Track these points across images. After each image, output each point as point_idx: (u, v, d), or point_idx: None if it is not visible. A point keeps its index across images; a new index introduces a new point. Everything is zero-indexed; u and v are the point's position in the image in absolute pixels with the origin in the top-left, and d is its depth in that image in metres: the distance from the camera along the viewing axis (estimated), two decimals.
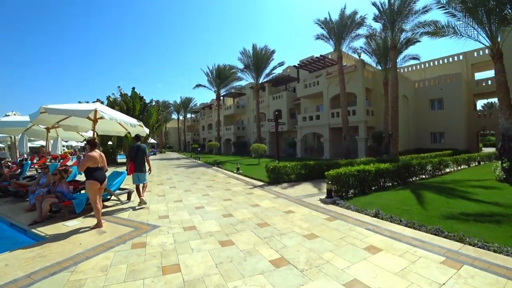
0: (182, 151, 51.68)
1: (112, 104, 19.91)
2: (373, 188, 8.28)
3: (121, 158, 23.31)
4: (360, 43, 58.50)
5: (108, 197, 7.12)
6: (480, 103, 50.69)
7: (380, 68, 21.72)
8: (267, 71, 28.46)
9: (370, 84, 24.27)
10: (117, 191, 7.14)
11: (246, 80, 29.15)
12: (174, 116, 58.77)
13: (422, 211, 5.76)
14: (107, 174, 5.73)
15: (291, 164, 10.37)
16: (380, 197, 7.17)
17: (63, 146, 38.77)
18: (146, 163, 6.93)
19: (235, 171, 13.39)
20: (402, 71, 32.97)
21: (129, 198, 7.24)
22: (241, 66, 28.32)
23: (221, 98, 40.16)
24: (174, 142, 63.08)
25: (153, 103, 22.34)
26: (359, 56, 23.71)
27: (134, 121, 6.93)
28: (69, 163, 14.87)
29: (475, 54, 29.83)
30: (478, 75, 32.65)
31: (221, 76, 35.38)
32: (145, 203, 6.73)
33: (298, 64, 29.86)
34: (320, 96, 27.87)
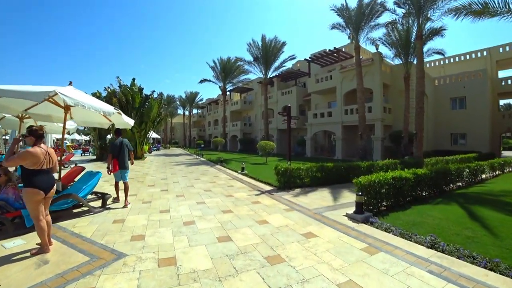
0: (187, 147, 50.46)
1: (111, 95, 18.59)
2: (407, 199, 6.66)
3: None
4: (378, 33, 55.84)
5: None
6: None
7: (401, 61, 19.88)
8: (276, 64, 26.79)
9: (388, 79, 22.43)
10: (89, 196, 5.70)
11: (254, 73, 27.58)
12: (180, 111, 57.60)
13: (494, 240, 4.14)
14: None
15: (305, 166, 8.79)
16: (423, 213, 5.55)
17: (66, 139, 37.96)
18: (129, 159, 6.60)
19: (239, 171, 11.88)
20: None
21: (104, 205, 5.79)
22: (249, 58, 26.69)
23: (228, 93, 38.65)
24: (180, 138, 61.97)
25: (154, 95, 20.96)
26: (377, 48, 21.84)
27: (109, 108, 5.44)
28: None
29: (501, 50, 27.58)
30: (502, 74, 30.36)
31: (226, 70, 33.86)
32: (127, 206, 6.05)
33: (309, 58, 28.08)
34: (333, 92, 26.13)
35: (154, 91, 21.06)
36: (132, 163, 6.93)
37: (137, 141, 19.04)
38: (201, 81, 36.60)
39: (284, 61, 26.56)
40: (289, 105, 10.09)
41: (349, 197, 7.15)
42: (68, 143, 34.49)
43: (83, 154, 23.92)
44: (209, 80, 35.93)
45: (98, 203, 5.94)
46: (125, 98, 18.72)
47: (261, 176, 10.51)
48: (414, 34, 17.90)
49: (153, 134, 38.78)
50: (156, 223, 4.84)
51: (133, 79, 19.57)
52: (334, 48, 25.15)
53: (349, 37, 20.05)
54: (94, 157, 20.20)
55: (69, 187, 5.87)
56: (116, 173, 6.29)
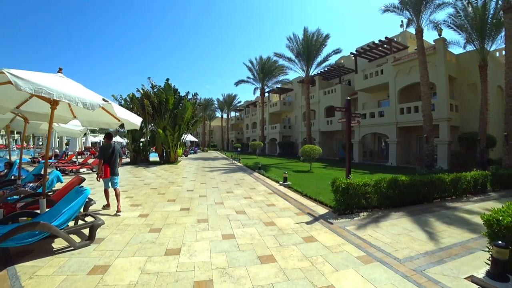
0: (225, 150, 49.67)
1: (144, 96, 17.78)
2: None
3: (153, 156, 21.29)
4: (441, 15, 49.48)
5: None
6: None
7: (474, 47, 16.10)
8: (319, 59, 24.15)
9: (453, 71, 18.64)
10: (71, 225, 4.05)
11: (295, 71, 25.21)
12: (218, 114, 57.32)
13: None
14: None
15: (372, 181, 6.37)
16: None
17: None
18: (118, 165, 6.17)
19: (281, 182, 9.76)
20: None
21: (91, 237, 4.06)
22: (289, 54, 24.45)
23: (266, 94, 36.79)
24: (218, 141, 61.81)
25: (189, 96, 19.79)
26: (440, 34, 18.22)
27: (92, 99, 3.67)
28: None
29: None
30: None
31: (265, 70, 32.05)
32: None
33: (355, 51, 24.99)
34: (384, 89, 22.85)
35: (188, 92, 19.97)
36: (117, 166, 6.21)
37: (170, 144, 17.94)
38: (237, 83, 35.32)
39: (328, 56, 23.85)
40: (348, 98, 7.72)
41: (447, 233, 4.70)
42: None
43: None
44: (246, 81, 34.44)
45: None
46: (158, 99, 17.76)
47: (308, 190, 8.28)
48: (491, 11, 14.39)
49: (190, 137, 38.49)
50: (150, 281, 2.93)
51: (167, 80, 18.62)
52: (386, 38, 21.88)
53: (403, 24, 16.82)
54: (128, 160, 19.62)
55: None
56: (106, 180, 5.88)
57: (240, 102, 52.58)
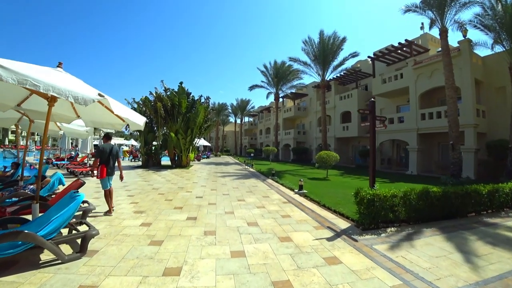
0: (238, 155, 49.31)
1: (157, 99, 17.63)
2: None
3: (165, 160, 21.08)
4: (467, 15, 47.33)
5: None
6: None
7: (503, 48, 14.96)
8: (335, 63, 23.43)
9: (479, 74, 17.49)
10: (58, 235, 3.60)
11: (310, 75, 24.70)
12: (232, 119, 57.20)
13: None
14: None
15: (400, 192, 5.66)
16: None
17: (124, 144, 39.70)
18: (117, 166, 6.16)
19: (296, 190, 9.13)
20: None
21: (83, 249, 3.59)
22: (304, 58, 23.89)
23: (280, 99, 36.22)
24: (231, 146, 61.63)
25: (202, 100, 19.52)
26: (464, 35, 17.18)
27: (85, 93, 3.21)
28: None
29: None
30: None
31: (279, 74, 31.60)
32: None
33: (373, 55, 24.10)
34: (403, 93, 21.88)
35: (201, 95, 19.71)
36: (121, 176, 6.25)
37: (182, 148, 17.64)
38: (251, 88, 34.98)
39: (344, 59, 23.11)
40: (373, 99, 7.06)
41: (494, 256, 3.95)
42: (125, 148, 35.60)
43: (132, 160, 23.74)
44: (260, 86, 34.09)
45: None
46: (171, 103, 17.56)
47: (326, 199, 7.62)
48: None
49: (203, 142, 38.37)
50: None
51: (180, 83, 18.44)
52: (406, 40, 20.92)
53: (424, 26, 15.89)
54: (140, 163, 19.46)
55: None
56: (103, 180, 5.68)
57: (253, 107, 52.33)
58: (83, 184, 5.03)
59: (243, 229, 4.92)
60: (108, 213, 5.66)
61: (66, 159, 17.01)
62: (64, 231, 3.99)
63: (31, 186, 5.80)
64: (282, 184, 10.87)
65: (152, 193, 8.31)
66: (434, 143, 20.28)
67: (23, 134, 43.77)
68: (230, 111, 53.61)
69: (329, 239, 4.51)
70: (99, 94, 3.40)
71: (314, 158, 32.65)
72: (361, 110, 6.91)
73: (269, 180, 12.27)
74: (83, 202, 4.45)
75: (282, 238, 4.47)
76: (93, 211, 5.17)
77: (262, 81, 33.80)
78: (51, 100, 3.89)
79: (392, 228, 5.25)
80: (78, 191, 3.98)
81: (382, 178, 14.79)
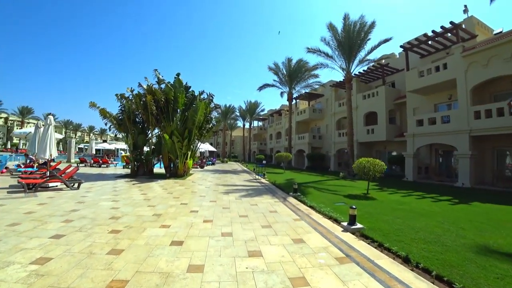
0: (246, 161, 45.73)
1: (149, 92, 14.21)
2: None
3: (156, 167, 17.69)
4: None
5: None
6: None
7: None
8: (361, 54, 19.76)
9: None
10: None
11: (332, 68, 20.79)
12: (240, 123, 53.79)
13: None
14: None
15: None
16: None
17: (123, 150, 36.64)
18: None
19: (344, 223, 5.47)
20: None
21: None
22: (325, 49, 20.23)
23: (293, 101, 32.59)
24: (240, 152, 58.14)
25: (203, 95, 16.07)
26: None
27: None
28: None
29: None
30: None
31: (293, 72, 28.14)
32: None
33: (406, 45, 20.32)
34: (445, 89, 18.18)
35: (203, 91, 16.27)
36: None
37: (178, 153, 14.17)
38: (261, 87, 31.53)
39: (373, 48, 19.42)
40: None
41: None
42: (124, 153, 32.43)
43: (126, 166, 20.39)
44: (272, 85, 30.63)
45: None
46: (165, 97, 14.17)
47: (416, 249, 3.98)
48: None
49: (208, 147, 34.95)
50: None
51: (177, 75, 15.03)
52: (451, 23, 17.10)
53: (467, 9, 12.15)
54: (128, 170, 16.07)
55: None
56: None
57: (263, 110, 48.84)
58: None
59: None
60: None
61: (35, 166, 13.79)
62: None
63: None
64: (313, 208, 7.22)
65: (99, 230, 4.79)
66: (486, 148, 16.36)
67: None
68: (238, 114, 50.15)
69: None
70: None
71: (332, 165, 29.09)
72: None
73: (291, 199, 8.62)
74: None
75: None
76: None
77: (274, 80, 30.39)
78: None
79: None
80: None
81: (429, 193, 11.05)
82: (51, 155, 10.01)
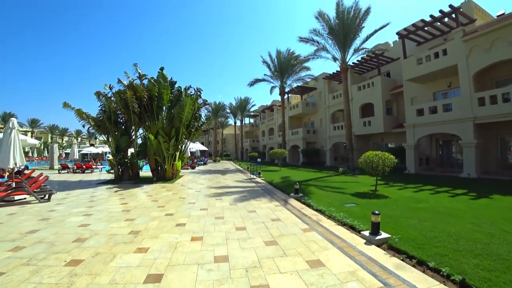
0: (239, 160, 44.61)
1: (132, 88, 12.89)
2: None
3: (145, 170, 16.42)
4: None
5: None
6: None
7: None
8: (357, 43, 18.80)
9: None
10: None
11: (326, 58, 19.74)
12: (231, 121, 52.48)
13: None
14: None
15: None
16: None
17: (109, 153, 35.09)
18: None
19: (366, 232, 4.43)
20: None
21: None
22: (318, 38, 19.14)
23: (285, 95, 31.56)
24: (232, 150, 56.94)
25: (190, 90, 14.84)
26: None
27: None
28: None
29: None
30: None
31: (283, 65, 27.10)
32: None
33: (403, 31, 19.49)
34: (444, 76, 17.64)
35: (190, 86, 15.02)
36: None
37: (165, 154, 12.96)
38: (252, 83, 30.32)
39: (370, 35, 18.50)
40: None
41: None
42: (111, 157, 30.83)
43: (111, 171, 19.01)
44: (263, 80, 29.50)
45: None
46: (148, 94, 12.91)
47: (464, 267, 2.96)
48: None
49: (199, 146, 33.67)
50: None
51: (161, 69, 13.75)
52: (450, 6, 16.27)
53: None
54: (112, 176, 14.77)
55: None
56: None
57: (254, 105, 47.71)
58: None
59: None
60: None
61: (6, 176, 12.43)
62: None
63: None
64: (321, 212, 6.18)
65: (50, 266, 3.61)
66: (490, 136, 15.71)
67: None
68: (229, 111, 48.81)
69: None
70: None
71: (328, 160, 28.26)
72: None
73: (294, 202, 7.57)
74: None
75: None
76: None
77: (265, 75, 29.29)
78: None
79: None
80: None
81: (443, 187, 10.19)
82: (15, 163, 8.68)
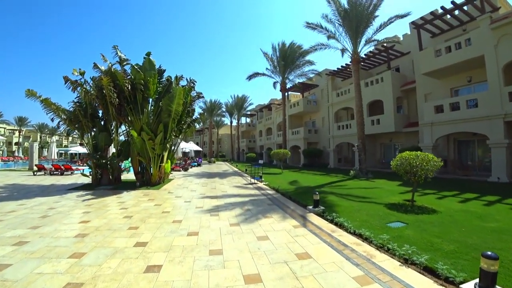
0: (235, 160, 42.51)
1: (111, 75, 10.74)
2: None
3: (132, 172, 14.26)
4: None
5: None
6: None
7: None
8: (369, 33, 16.90)
9: None
10: None
11: (335, 48, 17.67)
12: (227, 120, 50.31)
13: None
14: None
15: None
16: None
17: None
18: None
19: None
20: None
21: None
22: (328, 25, 17.17)
23: (286, 92, 29.62)
24: (227, 150, 54.79)
25: (183, 81, 12.77)
26: None
27: None
28: None
29: None
30: None
31: (287, 57, 25.13)
32: None
33: (419, 21, 17.70)
34: (465, 69, 15.90)
35: (182, 76, 12.95)
36: None
37: (150, 154, 10.86)
38: (250, 76, 28.13)
39: (382, 26, 16.64)
40: None
41: None
42: None
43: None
44: (263, 74, 27.40)
45: None
46: (131, 83, 10.80)
47: None
48: None
49: (193, 146, 31.50)
50: None
51: (147, 54, 11.62)
52: None
53: None
54: (89, 179, 12.56)
55: None
56: None
57: (251, 104, 45.58)
58: None
59: None
60: None
61: None
62: None
63: None
64: (367, 240, 4.17)
65: None
66: None
67: None
68: (225, 110, 46.56)
69: None
70: None
71: (332, 162, 26.31)
72: None
73: (317, 220, 5.55)
74: None
75: None
76: None
77: (267, 69, 27.26)
78: None
79: None
80: None
81: (486, 195, 8.28)
82: None
